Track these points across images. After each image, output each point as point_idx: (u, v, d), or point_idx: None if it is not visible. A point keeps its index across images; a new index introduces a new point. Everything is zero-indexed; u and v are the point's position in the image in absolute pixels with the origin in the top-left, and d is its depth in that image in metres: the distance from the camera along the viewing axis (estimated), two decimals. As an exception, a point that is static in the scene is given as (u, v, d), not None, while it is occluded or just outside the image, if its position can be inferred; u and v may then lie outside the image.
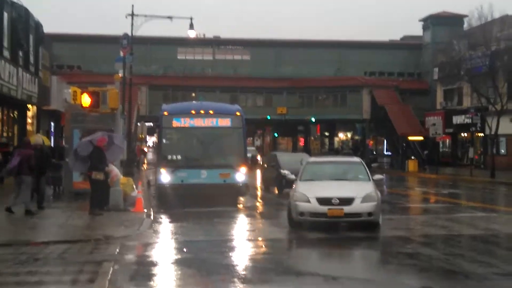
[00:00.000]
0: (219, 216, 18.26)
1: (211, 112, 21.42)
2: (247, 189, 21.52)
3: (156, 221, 17.22)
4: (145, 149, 57.92)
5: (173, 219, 17.82)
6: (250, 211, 20.76)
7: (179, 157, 20.90)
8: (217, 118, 21.34)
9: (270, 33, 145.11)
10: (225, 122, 21.37)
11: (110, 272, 10.23)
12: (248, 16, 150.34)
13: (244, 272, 10.86)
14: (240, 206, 21.71)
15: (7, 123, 31.63)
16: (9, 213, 16.78)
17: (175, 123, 21.09)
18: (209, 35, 67.98)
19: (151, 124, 61.37)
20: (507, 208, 22.00)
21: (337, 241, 14.53)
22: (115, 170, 18.79)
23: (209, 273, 10.80)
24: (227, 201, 21.09)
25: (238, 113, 21.52)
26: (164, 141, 21.20)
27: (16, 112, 33.30)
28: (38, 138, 19.62)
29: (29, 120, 35.73)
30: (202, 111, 21.23)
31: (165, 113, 21.32)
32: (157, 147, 22.22)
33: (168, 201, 20.19)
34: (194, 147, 21.79)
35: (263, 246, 13.74)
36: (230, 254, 12.65)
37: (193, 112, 21.33)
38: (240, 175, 20.64)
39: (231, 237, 15.05)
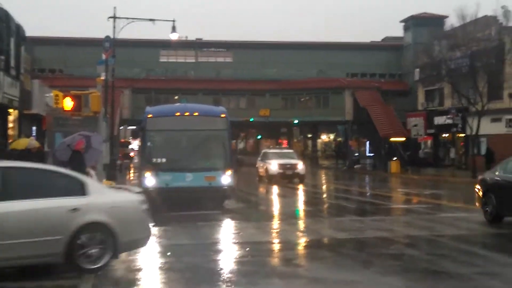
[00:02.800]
0: (204, 219, 18.21)
1: (195, 114, 21.15)
2: (233, 192, 21.32)
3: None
4: (131, 154, 57.02)
5: (156, 223, 17.71)
6: (235, 214, 20.60)
7: (163, 160, 20.31)
8: (202, 120, 21.07)
9: (253, 35, 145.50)
10: (210, 124, 21.06)
11: (93, 277, 10.17)
12: (231, 18, 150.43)
13: (229, 275, 10.84)
14: (226, 208, 21.42)
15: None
16: None
17: (160, 126, 20.68)
18: (192, 37, 68.00)
19: (134, 127, 61.14)
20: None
21: (320, 244, 14.58)
22: (92, 174, 18.62)
23: (193, 277, 10.76)
24: (212, 204, 20.90)
25: (223, 115, 21.22)
26: (148, 143, 20.55)
27: (-4, 117, 32.99)
28: (32, 142, 19.35)
29: (10, 125, 35.41)
30: (186, 113, 20.99)
31: (149, 115, 20.82)
32: (141, 150, 21.38)
33: (152, 205, 19.89)
34: (179, 149, 21.20)
35: (247, 248, 13.68)
36: (215, 257, 12.58)
37: (177, 114, 21.13)
38: (226, 177, 20.29)
39: (215, 241, 14.96)
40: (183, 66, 66.72)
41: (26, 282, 9.90)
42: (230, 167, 20.77)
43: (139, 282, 10.35)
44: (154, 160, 20.19)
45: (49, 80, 50.26)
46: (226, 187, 20.37)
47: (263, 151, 42.57)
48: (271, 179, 36.26)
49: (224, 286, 9.98)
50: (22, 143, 21.68)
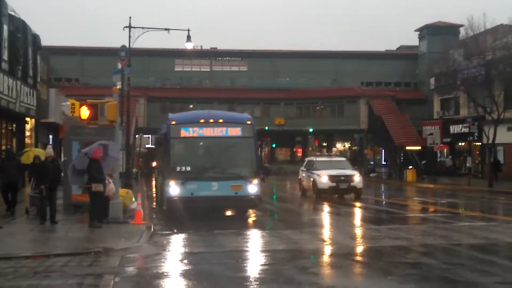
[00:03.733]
0: (224, 227, 18.13)
1: (220, 121, 20.33)
2: (259, 201, 20.53)
3: (156, 233, 17.13)
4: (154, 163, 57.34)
5: (174, 231, 17.74)
6: (256, 223, 20.44)
7: (188, 168, 19.57)
8: (227, 127, 20.26)
9: (267, 44, 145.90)
10: (236, 131, 20.31)
11: (111, 285, 10.22)
12: (245, 27, 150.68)
13: (245, 283, 10.82)
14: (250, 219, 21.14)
15: (6, 136, 31.58)
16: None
17: (183, 133, 19.91)
18: (207, 46, 68.24)
19: (149, 135, 61.38)
20: (506, 217, 22.04)
21: (328, 255, 14.52)
22: (111, 183, 18.72)
23: (210, 284, 10.76)
24: (237, 213, 21.27)
25: (249, 122, 20.48)
26: (172, 152, 19.74)
27: (14, 125, 33.31)
28: (49, 151, 19.51)
29: (27, 133, 35.74)
30: (211, 120, 20.16)
31: (173, 122, 20.10)
32: (165, 158, 20.28)
33: (177, 215, 19.29)
34: (204, 158, 20.41)
35: (264, 256, 13.66)
36: (231, 265, 12.52)
37: (202, 121, 20.18)
38: (253, 186, 19.57)
39: (232, 249, 14.79)
40: (198, 75, 66.92)
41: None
42: (257, 175, 20.03)
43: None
44: (178, 168, 19.54)
45: (66, 89, 50.82)
46: (253, 196, 19.67)
47: (308, 159, 36.37)
48: (320, 193, 30.46)
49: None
50: (32, 155, 21.81)
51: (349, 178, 30.15)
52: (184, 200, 18.91)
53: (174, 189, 19.07)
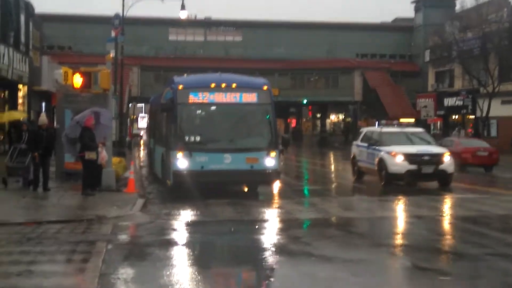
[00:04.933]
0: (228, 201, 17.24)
1: (234, 85, 17.73)
2: (278, 176, 17.97)
3: (149, 201, 17.11)
4: (141, 133, 57.57)
5: (165, 200, 17.70)
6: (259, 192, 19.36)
7: (198, 138, 17.17)
8: (242, 93, 17.70)
9: (262, 14, 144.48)
10: (251, 97, 17.76)
11: (104, 252, 10.22)
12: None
13: (234, 250, 10.85)
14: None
15: (-2, 103, 31.45)
16: None
17: (192, 98, 17.35)
18: (201, 16, 67.54)
19: (143, 104, 61.20)
20: (498, 190, 22.07)
21: (329, 223, 14.54)
22: (104, 151, 18.62)
23: (201, 252, 10.80)
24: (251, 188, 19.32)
25: (265, 87, 17.99)
26: (179, 119, 17.07)
27: (6, 92, 33.11)
28: (43, 118, 19.28)
29: (20, 100, 35.53)
30: (223, 85, 17.61)
31: (180, 86, 17.50)
32: (170, 127, 17.61)
33: (186, 190, 17.08)
34: (216, 127, 17.74)
35: (256, 226, 13.69)
36: (223, 234, 12.56)
37: (213, 85, 17.57)
38: (270, 159, 17.15)
39: (226, 218, 14.68)
40: (192, 44, 66.46)
41: (19, 257, 9.95)
42: (275, 147, 17.53)
43: (148, 257, 10.28)
44: (187, 138, 17.05)
45: (58, 57, 50.41)
46: (270, 171, 17.26)
47: (367, 130, 26.44)
48: (391, 180, 21.44)
49: (227, 261, 9.99)
50: (6, 116, 21.48)
51: (436, 158, 21.47)
52: (193, 174, 16.62)
53: (182, 161, 16.67)
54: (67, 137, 18.06)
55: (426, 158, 21.27)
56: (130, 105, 53.95)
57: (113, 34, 32.38)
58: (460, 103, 49.54)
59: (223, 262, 10.22)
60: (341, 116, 77.26)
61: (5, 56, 28.12)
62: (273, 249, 11.14)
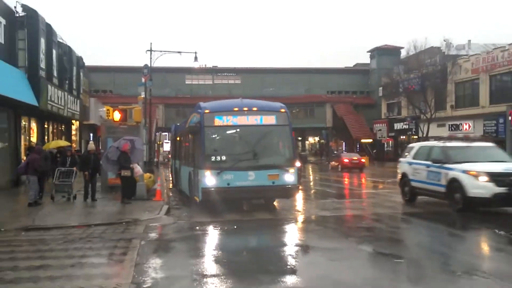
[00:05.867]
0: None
1: (254, 109, 15.68)
2: (297, 190, 15.90)
3: (172, 207, 16.99)
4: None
5: (184, 206, 17.58)
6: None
7: (223, 158, 14.93)
8: (262, 115, 15.60)
9: (256, 62, 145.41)
10: (270, 119, 15.66)
11: (138, 246, 10.14)
12: (239, 47, 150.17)
13: (238, 242, 10.75)
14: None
15: (57, 134, 31.36)
16: (35, 205, 16.08)
17: (217, 121, 15.25)
18: (209, 65, 67.80)
19: (166, 133, 61.10)
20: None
21: (304, 222, 14.40)
22: (138, 168, 18.58)
23: (213, 244, 10.71)
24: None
25: (283, 110, 15.88)
26: (206, 141, 14.99)
27: (63, 126, 33.09)
28: (91, 145, 19.13)
29: (73, 132, 35.51)
30: (245, 108, 15.56)
31: (206, 111, 15.42)
32: (197, 148, 15.40)
33: (214, 206, 14.94)
34: (239, 146, 15.64)
35: (257, 224, 13.55)
36: (229, 231, 12.42)
37: (236, 109, 15.53)
38: (290, 175, 15.05)
39: (232, 219, 14.37)
40: (203, 87, 66.52)
41: (73, 252, 9.85)
42: (294, 164, 15.38)
43: (172, 250, 10.25)
44: (213, 158, 14.82)
45: (102, 98, 50.45)
46: (290, 186, 15.07)
47: (419, 145, 18.74)
48: (472, 206, 14.30)
49: (235, 252, 9.87)
50: (54, 144, 21.32)
51: None
52: (220, 191, 14.54)
53: (209, 179, 14.58)
54: (107, 158, 18.04)
55: None
56: (156, 134, 53.85)
57: (143, 80, 32.46)
58: (406, 126, 49.72)
59: (229, 251, 10.11)
60: (316, 139, 77.31)
61: (61, 98, 28.11)
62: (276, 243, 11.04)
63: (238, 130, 15.61)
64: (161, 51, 36.62)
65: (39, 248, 10.09)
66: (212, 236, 11.94)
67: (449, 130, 44.61)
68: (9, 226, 12.55)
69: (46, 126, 28.86)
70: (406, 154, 18.41)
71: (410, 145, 19.66)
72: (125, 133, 20.61)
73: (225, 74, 67.93)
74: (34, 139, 26.27)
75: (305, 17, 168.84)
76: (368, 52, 65.90)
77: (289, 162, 15.19)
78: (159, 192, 18.55)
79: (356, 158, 41.60)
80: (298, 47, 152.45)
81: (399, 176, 18.02)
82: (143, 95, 32.00)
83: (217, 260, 9.21)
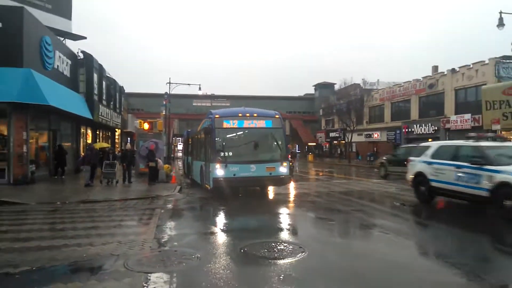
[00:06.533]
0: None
1: (255, 115, 13.96)
2: (289, 180, 13.88)
3: (183, 187, 16.76)
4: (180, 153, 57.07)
5: (190, 187, 17.30)
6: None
7: (230, 153, 13.22)
8: (260, 120, 13.88)
9: (241, 90, 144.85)
10: (267, 123, 13.92)
11: (159, 214, 9.96)
12: (230, 75, 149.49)
13: (228, 210, 10.53)
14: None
15: (105, 139, 30.80)
16: (89, 186, 15.43)
17: (225, 124, 13.54)
18: (209, 92, 67.42)
19: (180, 138, 60.58)
20: (357, 177, 22.25)
21: (273, 199, 14.06)
22: (160, 161, 18.32)
23: (212, 213, 10.57)
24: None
25: (277, 116, 14.23)
26: (217, 140, 13.16)
27: (109, 133, 32.43)
28: (128, 146, 18.89)
29: (116, 137, 34.84)
30: (247, 114, 13.85)
31: (217, 116, 13.73)
32: (209, 145, 13.52)
33: (223, 191, 13.23)
34: (243, 145, 13.65)
35: (243, 202, 13.12)
36: (226, 203, 12.06)
37: (240, 115, 13.83)
38: (283, 168, 13.29)
39: (230, 196, 13.81)
40: (205, 107, 65.55)
41: (114, 217, 9.62)
42: (286, 159, 13.60)
43: (183, 216, 10.07)
44: (222, 154, 13.01)
45: (136, 114, 49.50)
46: (283, 176, 13.32)
47: (440, 144, 11.63)
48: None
49: (230, 215, 9.74)
50: (99, 145, 20.93)
51: None
52: (228, 180, 12.85)
53: (219, 171, 12.86)
54: (139, 154, 17.81)
55: None
56: (173, 138, 53.26)
57: (164, 102, 32.12)
58: (337, 135, 50.15)
59: (224, 217, 10.00)
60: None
61: (108, 114, 27.59)
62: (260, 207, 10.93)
63: (242, 131, 13.81)
64: (176, 83, 36.28)
65: (91, 215, 9.84)
66: (212, 207, 11.81)
67: (364, 138, 45.21)
68: (71, 199, 12.22)
69: (97, 132, 28.24)
70: (417, 154, 12.30)
71: (423, 144, 13.23)
72: (152, 138, 20.37)
73: (219, 99, 67.59)
74: (89, 141, 25.68)
75: (275, 59, 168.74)
76: (313, 86, 66.36)
77: (282, 157, 13.40)
78: (174, 177, 18.29)
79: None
80: (270, 81, 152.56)
81: (412, 175, 12.01)
82: (164, 112, 31.64)
83: (215, 223, 9.09)
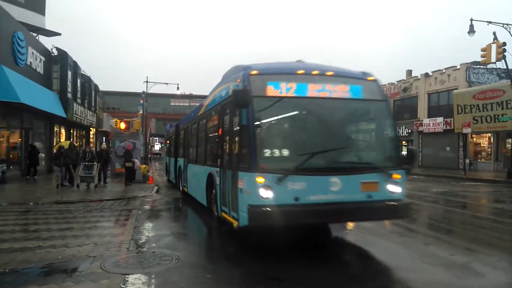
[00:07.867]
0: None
1: (329, 73, 5.86)
2: (407, 209, 5.67)
3: (160, 188, 16.64)
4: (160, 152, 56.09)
5: (168, 188, 17.21)
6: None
7: (285, 153, 5.28)
8: (342, 84, 5.74)
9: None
10: (356, 91, 5.81)
11: (136, 215, 9.88)
12: (206, 75, 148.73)
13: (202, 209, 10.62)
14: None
15: (79, 138, 30.11)
16: (62, 187, 14.86)
17: (272, 91, 5.31)
18: (187, 91, 66.90)
19: (157, 138, 59.85)
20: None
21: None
22: (137, 161, 18.12)
23: (188, 214, 10.57)
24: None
25: (371, 78, 6.07)
26: (254, 124, 4.99)
27: (84, 132, 31.71)
28: (103, 145, 18.44)
29: (91, 136, 34.10)
30: (314, 72, 5.80)
31: (254, 72, 5.54)
32: (234, 136, 5.51)
33: (266, 235, 6.54)
34: (311, 135, 5.48)
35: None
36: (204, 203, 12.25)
37: (300, 72, 5.70)
38: (394, 185, 5.54)
39: None
40: (182, 107, 65.26)
41: (90, 218, 9.51)
42: (400, 165, 5.71)
43: (160, 217, 10.02)
44: (268, 153, 5.24)
45: (112, 113, 48.67)
46: (397, 202, 5.53)
47: None
48: None
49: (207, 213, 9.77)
50: (64, 143, 20.36)
51: None
52: (284, 210, 5.06)
53: (265, 191, 5.07)
54: (116, 154, 17.56)
55: None
56: (150, 138, 52.59)
57: (141, 101, 31.74)
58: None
59: (201, 218, 10.05)
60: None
61: (83, 112, 27.03)
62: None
63: (306, 106, 5.85)
64: (154, 82, 35.91)
65: (66, 216, 9.65)
66: (188, 207, 11.81)
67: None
68: (44, 200, 11.92)
69: (72, 131, 27.56)
70: None
71: None
72: (128, 138, 20.09)
73: (198, 99, 67.29)
74: (63, 139, 25.04)
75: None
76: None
77: (392, 162, 5.87)
78: (151, 178, 18.15)
79: None
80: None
81: None
82: (141, 112, 31.25)
83: (191, 224, 9.12)
